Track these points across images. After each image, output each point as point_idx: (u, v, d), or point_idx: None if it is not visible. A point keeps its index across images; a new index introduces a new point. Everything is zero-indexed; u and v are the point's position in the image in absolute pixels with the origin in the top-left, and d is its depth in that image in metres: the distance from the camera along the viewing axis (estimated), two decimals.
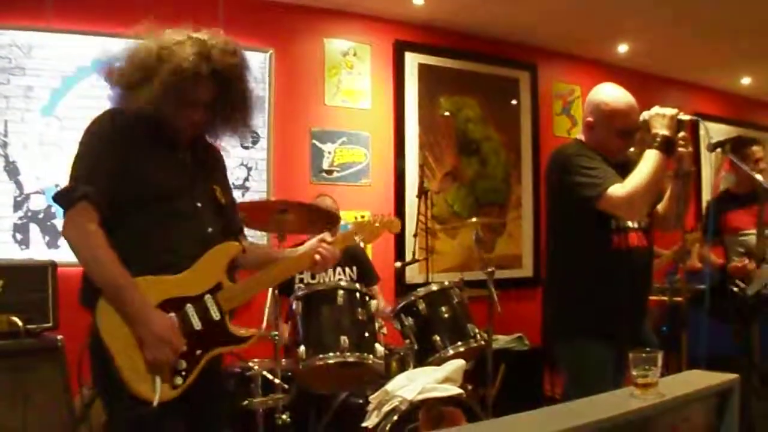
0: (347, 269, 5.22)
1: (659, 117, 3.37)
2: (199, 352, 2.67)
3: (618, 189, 3.25)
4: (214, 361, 2.76)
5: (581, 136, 3.67)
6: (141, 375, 2.52)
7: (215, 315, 2.72)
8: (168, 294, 2.64)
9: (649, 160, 3.29)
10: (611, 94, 3.57)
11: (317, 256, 3.05)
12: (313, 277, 5.09)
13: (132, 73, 2.66)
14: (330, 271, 5.13)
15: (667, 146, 3.31)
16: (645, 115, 3.43)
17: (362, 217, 3.39)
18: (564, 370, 3.74)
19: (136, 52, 2.68)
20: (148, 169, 2.68)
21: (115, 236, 2.59)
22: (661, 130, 3.34)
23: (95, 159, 2.63)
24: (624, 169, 3.43)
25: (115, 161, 2.62)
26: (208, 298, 2.72)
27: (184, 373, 2.61)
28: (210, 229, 2.82)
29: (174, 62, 2.62)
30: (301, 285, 4.91)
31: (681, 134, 3.40)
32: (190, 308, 2.68)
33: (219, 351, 2.76)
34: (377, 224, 3.38)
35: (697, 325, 3.96)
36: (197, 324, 2.68)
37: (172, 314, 2.62)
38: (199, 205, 2.82)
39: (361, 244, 3.47)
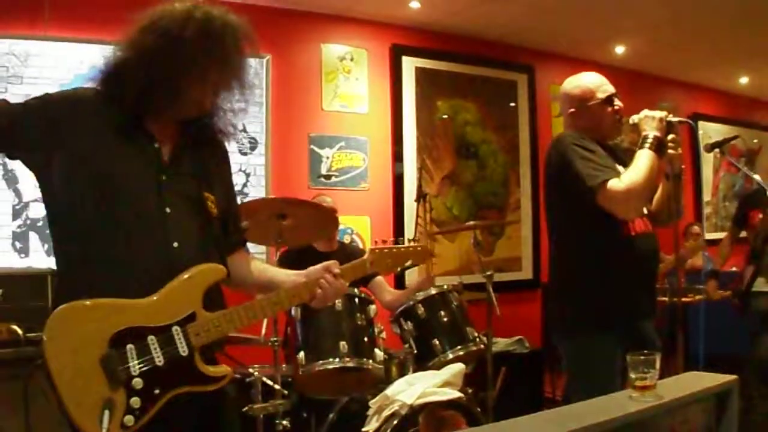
0: None
1: (648, 119, 3.39)
2: (157, 391, 2.28)
3: (617, 182, 3.22)
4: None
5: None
6: (86, 409, 2.20)
7: (182, 351, 2.32)
8: (129, 322, 2.27)
9: (643, 158, 3.28)
10: (574, 79, 3.66)
11: (318, 290, 2.60)
12: None
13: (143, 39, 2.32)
14: None
15: (657, 147, 3.31)
16: (634, 118, 3.45)
17: (383, 242, 2.83)
18: (570, 369, 3.66)
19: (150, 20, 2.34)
20: (100, 158, 2.32)
21: (70, 251, 2.34)
22: (651, 131, 3.34)
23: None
24: (619, 162, 3.44)
25: (40, 114, 2.31)
26: (176, 330, 2.33)
27: (137, 412, 2.24)
28: (176, 244, 2.38)
29: (202, 32, 2.32)
30: None
31: (671, 136, 3.40)
32: (152, 340, 2.29)
33: (182, 391, 2.33)
34: (400, 253, 2.84)
35: (707, 324, 3.96)
36: (159, 359, 2.28)
37: (131, 345, 2.26)
38: (168, 210, 2.39)
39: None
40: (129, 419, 2.22)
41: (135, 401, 2.24)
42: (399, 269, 2.89)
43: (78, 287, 2.28)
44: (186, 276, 2.36)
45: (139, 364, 2.26)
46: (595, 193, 3.25)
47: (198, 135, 2.53)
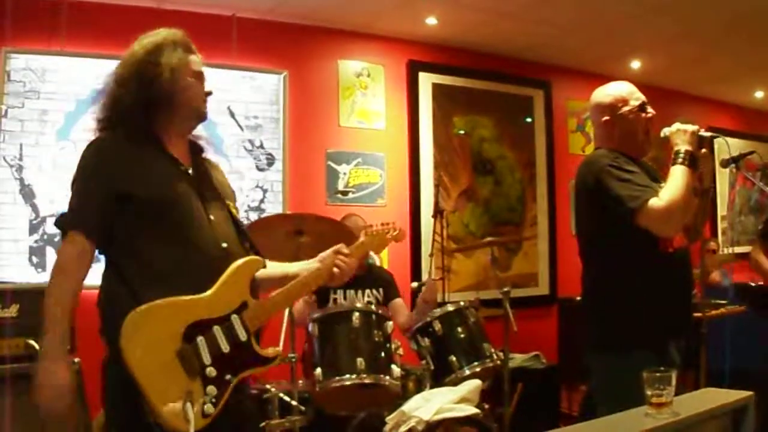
0: (374, 291, 5.19)
1: (680, 133, 3.31)
2: (228, 376, 2.57)
3: (657, 201, 3.14)
4: (241, 384, 2.70)
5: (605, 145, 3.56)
6: (172, 405, 2.43)
7: (242, 336, 2.62)
8: (195, 317, 2.54)
9: (678, 174, 3.21)
10: (604, 88, 3.59)
11: (336, 269, 2.91)
12: (344, 297, 5.03)
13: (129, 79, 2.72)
14: (359, 294, 5.11)
15: (691, 161, 3.25)
16: (666, 131, 3.37)
17: (370, 226, 3.27)
18: (602, 386, 3.54)
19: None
20: (149, 181, 2.66)
21: (131, 263, 2.59)
22: (683, 146, 3.27)
23: (84, 193, 2.70)
24: (653, 178, 3.39)
25: (105, 190, 2.64)
26: (234, 318, 2.62)
27: (214, 400, 2.51)
28: (224, 244, 2.73)
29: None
30: (336, 297, 4.97)
31: (702, 151, 3.36)
32: (217, 330, 2.57)
33: (247, 373, 2.65)
34: (386, 236, 3.25)
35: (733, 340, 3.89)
36: (225, 347, 2.57)
37: (201, 337, 2.54)
38: (212, 218, 2.75)
39: (377, 260, 3.36)
40: (209, 408, 2.49)
41: (211, 389, 2.51)
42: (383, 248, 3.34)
43: (158, 286, 2.53)
44: (232, 270, 2.67)
45: (210, 353, 2.54)
46: (636, 214, 3.17)
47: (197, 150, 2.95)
